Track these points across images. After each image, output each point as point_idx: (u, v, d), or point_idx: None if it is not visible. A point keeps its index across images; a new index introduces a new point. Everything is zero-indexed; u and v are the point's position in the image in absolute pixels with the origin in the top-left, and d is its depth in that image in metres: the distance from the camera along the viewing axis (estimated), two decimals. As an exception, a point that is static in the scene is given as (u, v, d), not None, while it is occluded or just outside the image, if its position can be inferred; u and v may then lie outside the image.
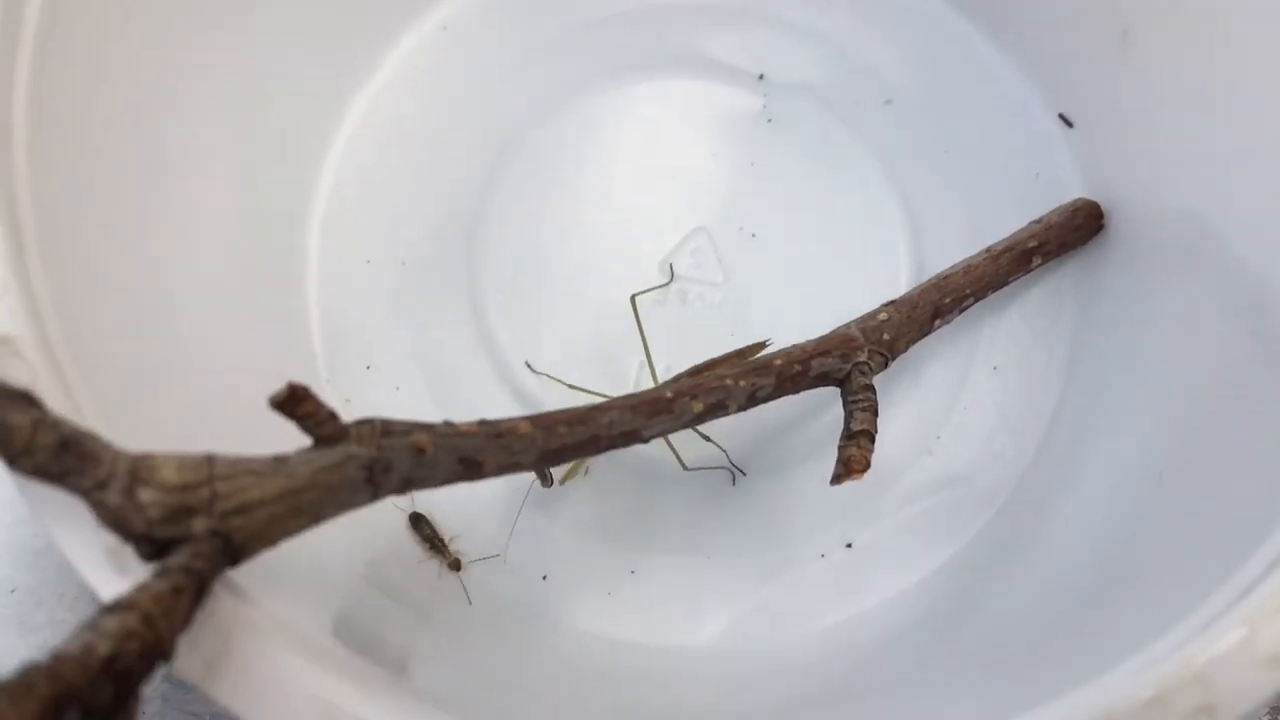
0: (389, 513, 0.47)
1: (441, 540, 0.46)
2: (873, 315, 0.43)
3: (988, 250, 0.47)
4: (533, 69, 0.55)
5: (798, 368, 0.40)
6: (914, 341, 0.44)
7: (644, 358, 0.48)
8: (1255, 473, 0.35)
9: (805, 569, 0.46)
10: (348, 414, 0.47)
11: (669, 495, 0.48)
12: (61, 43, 0.37)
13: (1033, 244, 0.47)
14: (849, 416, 0.40)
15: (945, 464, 0.47)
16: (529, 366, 0.50)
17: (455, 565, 0.46)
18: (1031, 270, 0.48)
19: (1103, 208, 0.48)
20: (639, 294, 0.49)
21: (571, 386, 0.47)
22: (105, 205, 0.39)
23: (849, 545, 0.46)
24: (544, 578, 0.47)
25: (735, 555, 0.47)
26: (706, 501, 0.48)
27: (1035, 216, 0.49)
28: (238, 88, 0.48)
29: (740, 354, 0.45)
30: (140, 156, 0.42)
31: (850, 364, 0.41)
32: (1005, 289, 0.48)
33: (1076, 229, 0.48)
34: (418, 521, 0.46)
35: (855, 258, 0.51)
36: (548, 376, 0.48)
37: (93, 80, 0.39)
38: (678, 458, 0.46)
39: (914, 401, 0.49)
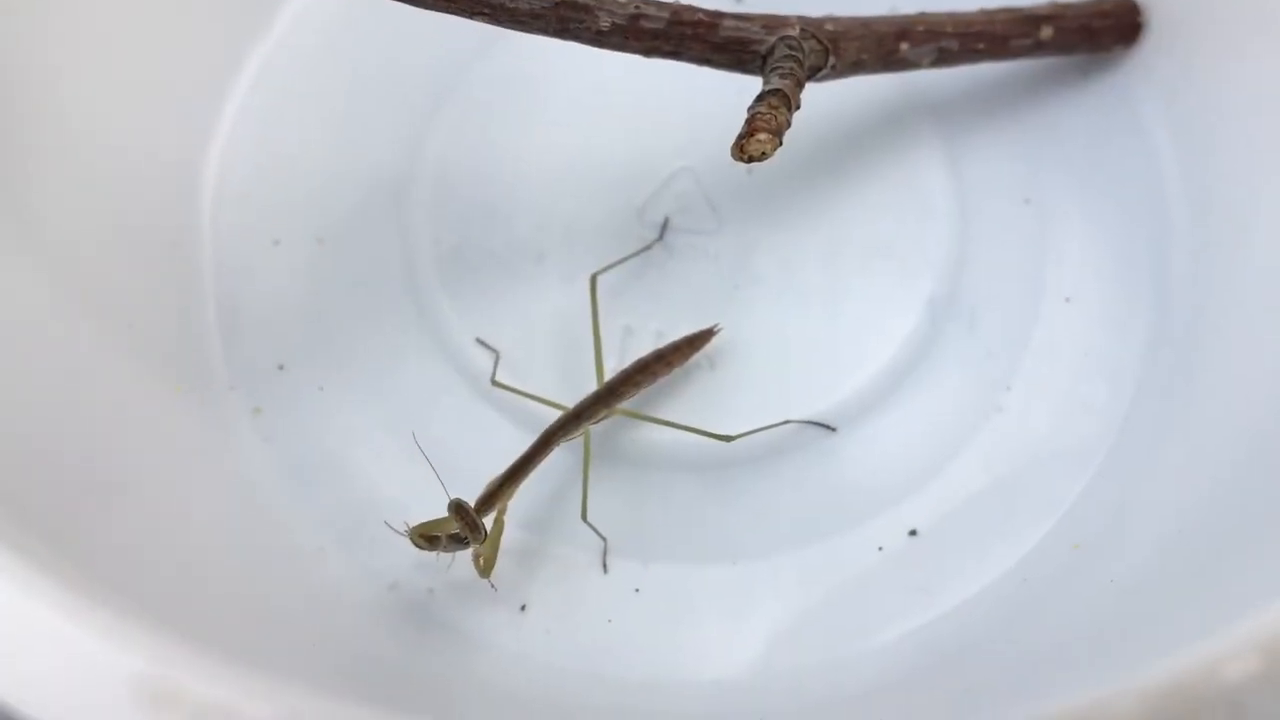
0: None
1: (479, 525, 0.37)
2: None
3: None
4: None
5: (702, 16, 0.37)
6: (870, 55, 0.40)
7: (625, 322, 0.43)
8: None
9: (858, 566, 0.39)
10: (259, 424, 0.42)
11: (677, 489, 0.41)
12: None
13: (1043, 12, 0.42)
14: (765, 80, 0.37)
15: (1020, 421, 0.41)
16: (481, 343, 0.43)
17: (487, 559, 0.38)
18: (1040, 51, 0.43)
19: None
20: (601, 270, 0.42)
21: (528, 395, 0.41)
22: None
23: (913, 532, 0.39)
24: (522, 608, 0.39)
25: (767, 558, 0.40)
26: (722, 494, 0.41)
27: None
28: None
29: (690, 342, 0.40)
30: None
31: (775, 37, 0.38)
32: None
33: (1103, 17, 0.43)
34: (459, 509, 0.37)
35: (875, 186, 0.44)
36: (505, 388, 0.41)
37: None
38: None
39: (973, 349, 0.42)
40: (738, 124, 0.37)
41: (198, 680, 0.22)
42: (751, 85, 0.38)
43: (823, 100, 0.41)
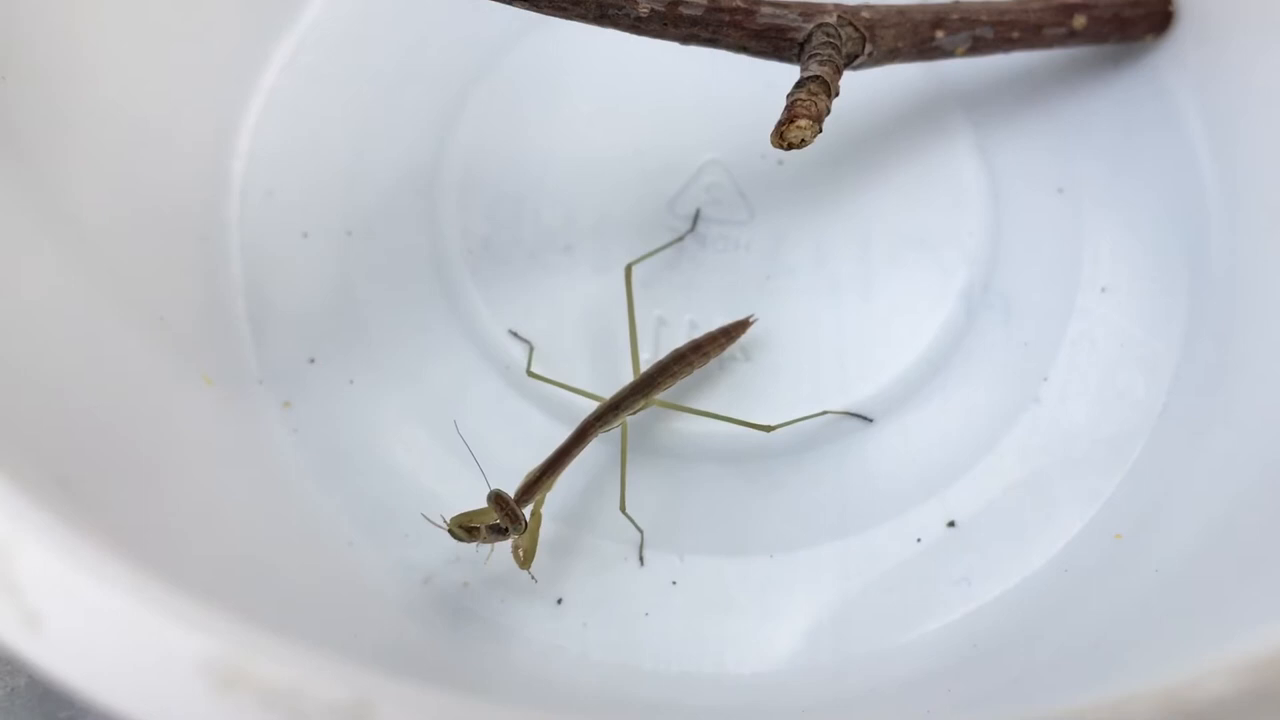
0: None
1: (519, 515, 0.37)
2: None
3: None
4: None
5: (740, 3, 0.37)
6: (906, 42, 0.40)
7: (658, 313, 0.43)
8: None
9: (897, 558, 0.39)
10: (289, 418, 0.41)
11: (714, 481, 0.40)
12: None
13: (1076, 1, 0.43)
14: (804, 67, 0.37)
15: (1058, 412, 0.40)
16: (514, 334, 0.42)
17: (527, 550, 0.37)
18: (1073, 40, 0.43)
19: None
20: (636, 261, 0.42)
21: (565, 386, 0.40)
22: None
23: (951, 524, 0.39)
24: (559, 601, 0.39)
25: (804, 550, 0.39)
26: (759, 486, 0.40)
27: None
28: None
29: (726, 332, 0.40)
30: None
31: (812, 24, 0.37)
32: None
33: (1135, 6, 0.43)
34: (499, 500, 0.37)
35: (907, 176, 0.44)
36: (541, 379, 0.41)
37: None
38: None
39: (1009, 340, 0.42)
40: (767, 116, 0.37)
41: (265, 661, 0.21)
42: (781, 78, 0.38)
43: (853, 91, 0.41)
